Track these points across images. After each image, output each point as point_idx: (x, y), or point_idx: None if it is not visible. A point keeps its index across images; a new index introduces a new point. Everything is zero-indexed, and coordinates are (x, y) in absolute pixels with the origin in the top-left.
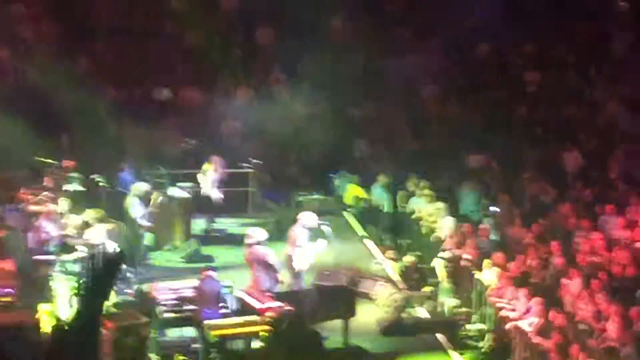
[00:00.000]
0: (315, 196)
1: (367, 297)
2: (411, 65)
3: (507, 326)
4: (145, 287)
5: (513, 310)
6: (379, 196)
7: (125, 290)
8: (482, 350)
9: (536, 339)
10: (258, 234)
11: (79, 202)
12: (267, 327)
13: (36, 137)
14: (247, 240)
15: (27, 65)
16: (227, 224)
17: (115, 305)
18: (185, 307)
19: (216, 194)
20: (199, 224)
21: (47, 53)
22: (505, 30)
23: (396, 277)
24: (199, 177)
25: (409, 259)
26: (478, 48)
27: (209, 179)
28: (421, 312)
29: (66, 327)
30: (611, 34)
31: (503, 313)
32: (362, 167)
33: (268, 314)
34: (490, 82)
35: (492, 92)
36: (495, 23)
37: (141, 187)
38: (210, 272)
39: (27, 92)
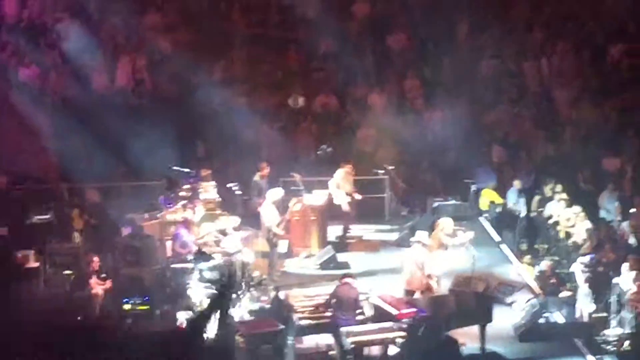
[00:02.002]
0: (451, 202)
1: (503, 302)
2: (544, 68)
3: None
4: (281, 294)
5: None
6: (515, 201)
7: (261, 298)
8: (621, 355)
9: None
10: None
11: (215, 210)
12: (403, 333)
13: (173, 147)
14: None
15: (163, 75)
16: (364, 230)
17: (251, 312)
18: (321, 314)
19: (344, 202)
20: (334, 231)
21: (182, 62)
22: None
23: (533, 282)
24: (330, 184)
25: (545, 263)
26: (612, 49)
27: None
28: (558, 317)
29: (204, 335)
30: None
31: None
32: (498, 172)
33: (404, 320)
34: (624, 84)
35: (626, 94)
36: (630, 22)
37: (277, 194)
38: (349, 279)
39: (163, 101)
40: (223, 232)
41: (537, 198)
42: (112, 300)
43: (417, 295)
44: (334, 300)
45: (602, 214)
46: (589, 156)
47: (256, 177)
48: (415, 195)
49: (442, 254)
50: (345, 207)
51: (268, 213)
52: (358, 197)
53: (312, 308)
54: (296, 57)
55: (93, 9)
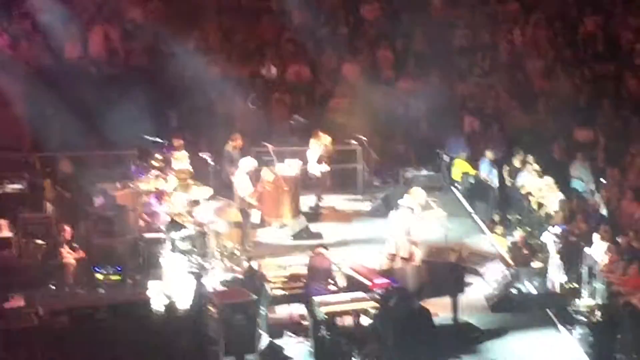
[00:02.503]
0: (424, 172)
1: (476, 273)
2: (516, 39)
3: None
4: (254, 264)
5: (623, 285)
6: (487, 172)
7: (234, 268)
8: (592, 325)
9: None
10: None
11: (188, 180)
12: (375, 304)
13: (145, 116)
14: None
15: (136, 45)
16: (336, 200)
17: (224, 282)
18: (294, 284)
19: (316, 171)
20: (307, 201)
21: (155, 32)
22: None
23: (505, 253)
24: (307, 153)
25: (518, 234)
26: (585, 20)
27: (313, 155)
28: (530, 287)
29: (176, 305)
30: None
31: (614, 288)
32: (470, 142)
33: (377, 290)
34: (597, 55)
35: (599, 65)
36: None
37: (249, 163)
38: (322, 249)
39: (136, 71)
40: (196, 202)
41: (509, 169)
42: (85, 270)
43: (398, 261)
44: (307, 271)
45: (574, 184)
46: (562, 127)
47: (228, 147)
48: (387, 165)
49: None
50: (320, 176)
51: (241, 183)
52: (326, 168)
53: (285, 278)
54: (269, 27)
55: None
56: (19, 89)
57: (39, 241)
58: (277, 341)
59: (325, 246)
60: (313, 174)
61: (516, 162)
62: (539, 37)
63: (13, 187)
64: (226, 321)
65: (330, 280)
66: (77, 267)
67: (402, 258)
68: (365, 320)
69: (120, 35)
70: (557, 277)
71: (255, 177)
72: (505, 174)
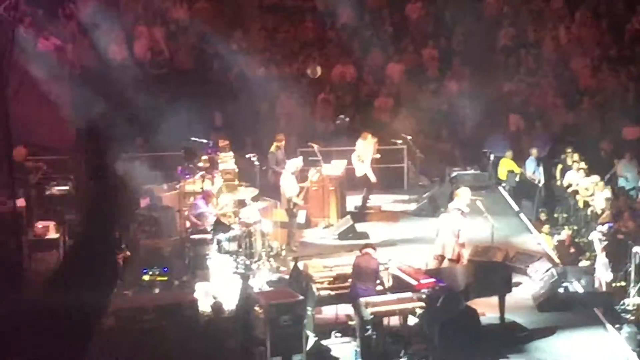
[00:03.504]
0: (470, 171)
1: (522, 272)
2: (562, 37)
3: None
4: (299, 264)
5: None
6: (533, 170)
7: (280, 268)
8: None
9: None
10: None
11: (234, 181)
12: (422, 304)
13: (191, 117)
14: None
15: (181, 45)
16: (382, 200)
17: (270, 283)
18: (340, 285)
19: (361, 172)
20: (353, 201)
21: (200, 32)
22: None
23: (551, 251)
24: (353, 156)
25: (565, 233)
26: (632, 17)
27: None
28: (577, 286)
29: (223, 306)
30: None
31: None
32: (515, 141)
33: (423, 290)
34: None
35: None
36: None
37: (296, 164)
38: (369, 250)
39: (181, 71)
40: (241, 203)
41: (555, 167)
42: (131, 271)
43: (445, 262)
44: (354, 271)
45: (621, 182)
46: (608, 125)
47: (273, 148)
48: (433, 165)
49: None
50: (372, 178)
51: (288, 183)
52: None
53: (331, 278)
54: (314, 27)
55: None
56: (66, 91)
57: None
58: (324, 342)
59: (372, 245)
60: (359, 174)
61: (563, 160)
62: (584, 35)
63: (59, 188)
64: (272, 322)
65: (377, 281)
66: (123, 268)
67: (450, 260)
68: (411, 320)
69: (165, 36)
70: (604, 275)
71: (301, 177)
72: (552, 173)
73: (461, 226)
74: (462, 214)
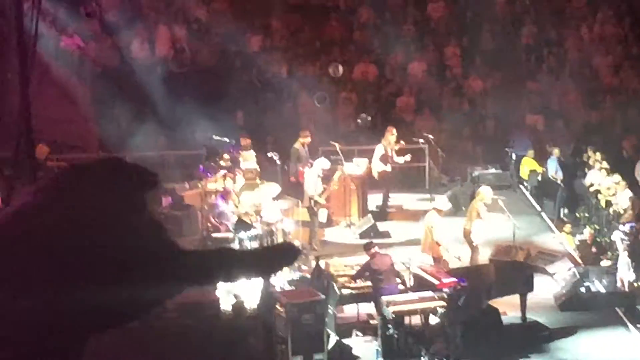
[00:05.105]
0: (492, 170)
1: (544, 271)
2: (584, 35)
3: None
4: (321, 263)
5: None
6: (555, 169)
7: (301, 267)
8: None
9: None
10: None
11: (256, 179)
12: (443, 303)
13: (213, 116)
14: None
15: (202, 44)
16: (404, 199)
17: (291, 282)
18: (362, 284)
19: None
20: (375, 200)
21: (222, 31)
22: None
23: (573, 251)
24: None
25: (587, 232)
26: None
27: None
28: (599, 286)
29: (244, 304)
30: None
31: None
32: (537, 140)
33: (445, 289)
34: None
35: None
36: None
37: (323, 164)
38: (374, 249)
39: (203, 70)
40: (263, 201)
41: (578, 167)
42: None
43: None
44: (367, 273)
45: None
46: (631, 124)
47: (296, 145)
48: (455, 164)
49: (481, 222)
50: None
51: (312, 182)
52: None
53: (352, 277)
54: (336, 26)
55: None
56: (88, 89)
57: None
58: (345, 340)
59: (373, 243)
60: (380, 173)
61: (584, 160)
62: (606, 34)
63: None
64: (294, 321)
65: (396, 277)
66: None
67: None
68: (433, 320)
69: (187, 34)
70: (626, 275)
71: (325, 176)
72: (574, 172)
73: (434, 224)
74: (439, 213)
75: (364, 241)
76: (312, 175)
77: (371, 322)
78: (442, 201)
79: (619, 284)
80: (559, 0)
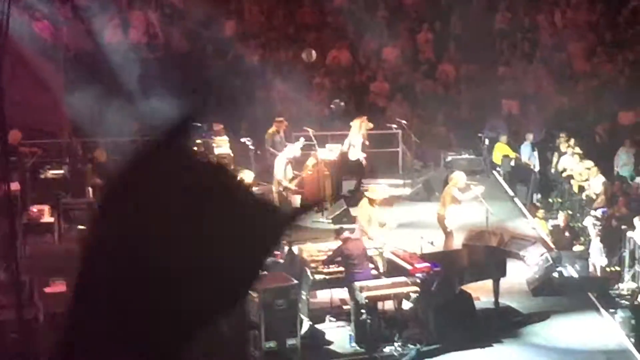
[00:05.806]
0: (465, 156)
1: (517, 256)
2: (557, 21)
3: None
4: (294, 248)
5: None
6: (528, 155)
7: (274, 253)
8: (634, 309)
9: None
10: None
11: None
12: (416, 288)
13: (185, 102)
14: None
15: (175, 30)
16: (377, 184)
17: (264, 267)
18: (335, 269)
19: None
20: (348, 185)
21: (195, 16)
22: None
23: (546, 236)
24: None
25: (561, 217)
26: (627, 1)
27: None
28: (572, 271)
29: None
30: None
31: None
32: (510, 125)
33: (418, 274)
34: (639, 37)
35: None
36: None
37: (295, 150)
38: (347, 233)
39: (176, 55)
40: None
41: (550, 152)
42: None
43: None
44: (339, 258)
45: (616, 167)
46: (604, 110)
47: (271, 130)
48: (428, 149)
49: (455, 208)
50: (363, 161)
51: (281, 167)
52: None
53: (325, 263)
54: (309, 11)
55: None
56: (60, 74)
57: (81, 226)
58: (318, 326)
59: (351, 230)
60: (352, 158)
61: (557, 146)
62: (579, 19)
63: (54, 172)
64: (267, 306)
65: (369, 262)
66: None
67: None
68: (406, 305)
69: (160, 19)
70: (598, 260)
71: (297, 162)
72: (547, 157)
73: (370, 215)
74: (372, 203)
75: (337, 226)
76: (281, 160)
77: (344, 307)
78: (378, 190)
79: (591, 269)
80: None
